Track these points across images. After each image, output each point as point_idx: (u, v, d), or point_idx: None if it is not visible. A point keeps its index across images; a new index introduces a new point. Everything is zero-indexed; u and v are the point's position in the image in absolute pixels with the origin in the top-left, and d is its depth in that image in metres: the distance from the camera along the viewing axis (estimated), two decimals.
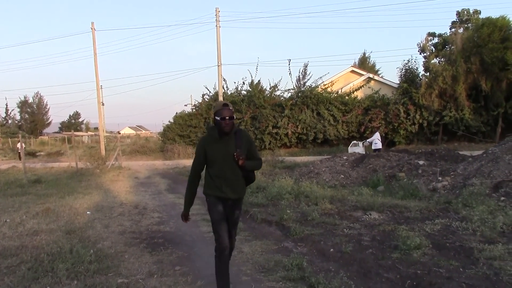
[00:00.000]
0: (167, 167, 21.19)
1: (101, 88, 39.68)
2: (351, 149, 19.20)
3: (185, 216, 4.47)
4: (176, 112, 31.11)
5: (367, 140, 19.78)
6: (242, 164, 4.18)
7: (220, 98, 28.89)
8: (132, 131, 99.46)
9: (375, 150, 17.93)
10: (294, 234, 6.91)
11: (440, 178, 10.67)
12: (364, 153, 17.29)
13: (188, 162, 22.01)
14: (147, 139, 50.72)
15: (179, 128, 29.96)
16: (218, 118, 4.13)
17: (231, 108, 4.20)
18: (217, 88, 29.90)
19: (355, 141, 20.98)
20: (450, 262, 5.30)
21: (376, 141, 18.48)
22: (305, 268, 5.16)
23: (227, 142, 4.21)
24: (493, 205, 7.94)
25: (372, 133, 22.99)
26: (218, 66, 30.05)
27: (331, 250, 6.09)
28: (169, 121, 31.07)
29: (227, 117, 4.12)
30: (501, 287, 4.48)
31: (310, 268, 5.21)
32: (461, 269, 5.05)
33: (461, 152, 15.80)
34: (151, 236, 7.25)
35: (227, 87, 30.48)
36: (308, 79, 28.76)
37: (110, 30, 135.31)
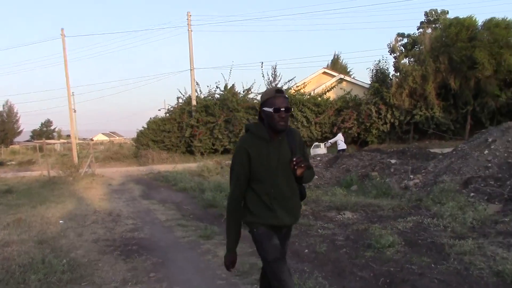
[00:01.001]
0: (141, 173, 21.02)
1: (73, 94, 39.21)
2: (313, 151, 19.32)
3: (233, 262, 3.22)
4: (150, 117, 30.86)
5: (329, 141, 20.05)
6: (301, 173, 3.04)
7: (193, 102, 28.82)
8: (105, 138, 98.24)
9: (340, 150, 18.18)
10: None
11: (411, 176, 10.84)
12: (325, 153, 17.42)
13: (163, 167, 21.87)
14: (121, 145, 50.19)
15: (153, 134, 29.75)
16: (269, 110, 2.98)
17: (286, 96, 3.11)
18: (190, 92, 29.82)
19: (316, 143, 21.18)
20: (422, 258, 5.39)
21: (339, 142, 18.81)
22: None
23: (279, 144, 3.09)
24: (463, 201, 8.11)
25: (334, 134, 23.33)
26: (190, 70, 29.99)
27: (306, 251, 6.14)
28: (142, 127, 30.85)
29: (283, 108, 2.98)
30: (471, 281, 4.58)
31: None
32: (432, 265, 5.15)
33: (432, 150, 16.08)
34: (125, 243, 7.18)
35: (200, 91, 30.44)
36: (279, 81, 28.91)
37: (80, 36, 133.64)
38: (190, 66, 30.08)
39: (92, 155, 23.21)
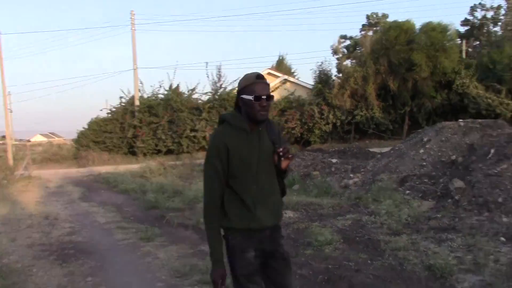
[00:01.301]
0: (81, 175, 20.42)
1: (9, 94, 37.61)
2: None
3: (222, 276, 2.70)
4: (92, 118, 30.00)
5: None
6: (286, 166, 2.75)
7: (137, 102, 28.30)
8: (44, 139, 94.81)
9: None
10: None
11: (351, 175, 11.10)
12: None
13: (104, 169, 21.35)
14: (60, 146, 48.57)
15: (94, 134, 28.96)
16: (249, 98, 2.66)
17: (268, 82, 2.81)
18: (133, 92, 29.28)
19: None
20: (359, 255, 5.54)
21: None
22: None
23: (260, 136, 2.76)
24: (399, 199, 8.38)
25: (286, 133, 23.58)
26: (134, 69, 29.46)
27: None
28: (83, 127, 29.98)
29: (264, 96, 2.66)
30: (405, 276, 4.75)
31: None
32: (369, 261, 5.29)
33: (371, 149, 16.59)
34: (62, 247, 6.95)
35: (144, 90, 29.95)
36: (224, 81, 28.90)
37: (18, 33, 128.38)
38: (133, 66, 29.55)
39: (28, 156, 22.37)
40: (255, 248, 2.74)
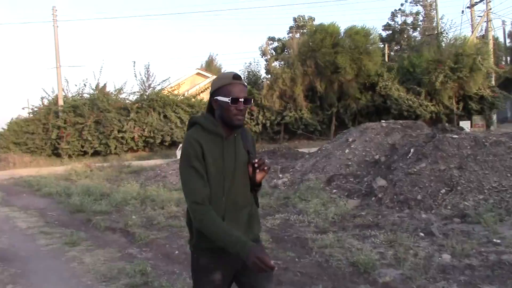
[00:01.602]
0: (0, 179, 19.40)
1: None
2: (179, 153, 19.18)
3: (262, 251, 2.25)
4: (12, 118, 28.52)
5: None
6: (261, 179, 2.58)
7: (60, 102, 27.24)
8: None
9: None
10: (139, 239, 6.80)
11: (280, 175, 11.30)
12: None
13: (26, 172, 20.37)
14: None
15: (15, 135, 27.56)
16: (225, 100, 2.42)
17: (246, 84, 2.58)
18: (57, 91, 28.19)
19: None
20: (287, 253, 5.66)
21: None
22: (149, 273, 5.11)
23: (235, 143, 2.52)
24: (326, 198, 8.63)
25: None
26: (57, 68, 28.37)
27: (176, 252, 6.13)
28: (2, 128, 28.46)
29: (242, 99, 2.43)
30: (330, 272, 4.91)
31: (153, 272, 5.18)
32: (296, 259, 5.42)
33: (300, 150, 16.93)
34: None
35: (68, 89, 28.89)
36: (152, 81, 28.47)
37: None
38: (56, 64, 28.45)
39: None
40: (224, 268, 2.48)
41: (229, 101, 2.40)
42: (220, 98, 2.43)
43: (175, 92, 28.66)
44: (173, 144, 27.88)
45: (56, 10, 28.90)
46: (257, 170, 2.53)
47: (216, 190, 2.41)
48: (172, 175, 13.33)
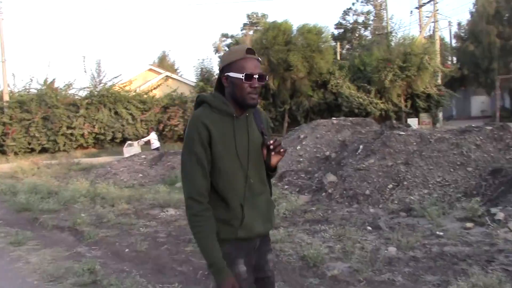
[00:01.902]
0: None
1: None
2: (126, 150, 18.79)
3: (234, 286, 2.11)
4: None
5: (142, 140, 20.09)
6: (277, 162, 2.37)
7: (6, 97, 26.23)
8: None
9: (154, 149, 18.35)
10: (88, 238, 6.66)
11: None
12: (139, 152, 17.04)
13: None
14: None
15: None
16: (238, 76, 2.20)
17: (260, 59, 2.33)
18: (2, 87, 27.17)
19: (130, 141, 20.93)
20: None
21: (153, 140, 18.98)
22: (98, 272, 5.02)
23: (247, 123, 2.30)
24: (277, 194, 8.71)
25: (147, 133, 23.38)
26: (2, 62, 27.36)
27: (126, 250, 6.05)
28: None
29: (257, 75, 2.22)
30: (281, 267, 4.98)
31: (102, 271, 5.09)
32: None
33: None
34: None
35: (15, 84, 27.91)
36: (104, 77, 27.91)
37: None
38: (1, 58, 27.43)
39: None
40: (244, 261, 2.25)
41: (243, 78, 2.18)
42: (232, 74, 2.21)
43: (127, 88, 28.20)
44: (124, 141, 27.46)
45: (1, 1, 27.89)
46: (272, 153, 2.31)
47: (233, 176, 2.22)
48: (123, 172, 13.14)
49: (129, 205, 8.92)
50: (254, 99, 2.23)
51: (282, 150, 2.30)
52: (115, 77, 28.42)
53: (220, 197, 2.22)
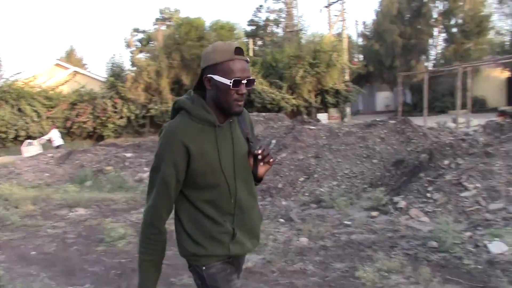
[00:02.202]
0: None
1: None
2: (26, 150, 17.93)
3: None
4: None
5: (43, 138, 19.33)
6: (265, 172, 2.19)
7: None
8: None
9: (57, 147, 17.73)
10: None
11: (146, 169, 11.12)
12: (41, 151, 16.31)
13: None
14: None
15: None
16: (225, 83, 1.94)
17: (247, 59, 2.05)
18: None
19: (29, 140, 19.99)
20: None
21: (55, 138, 18.33)
22: (2, 277, 4.75)
23: (231, 130, 2.08)
24: None
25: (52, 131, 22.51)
26: None
27: (33, 253, 5.78)
28: None
29: (245, 81, 1.97)
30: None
31: (7, 275, 4.82)
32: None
33: None
34: None
35: None
36: (4, 72, 26.32)
37: None
38: None
39: None
40: (238, 276, 2.16)
41: (231, 84, 1.93)
42: (217, 78, 1.95)
43: (31, 83, 26.75)
44: (30, 139, 26.09)
45: None
46: (261, 163, 2.12)
47: (218, 190, 2.03)
48: (27, 172, 12.48)
49: (35, 206, 8.49)
50: (240, 106, 2.01)
51: (271, 160, 2.13)
52: (18, 73, 26.89)
53: (203, 214, 2.04)
